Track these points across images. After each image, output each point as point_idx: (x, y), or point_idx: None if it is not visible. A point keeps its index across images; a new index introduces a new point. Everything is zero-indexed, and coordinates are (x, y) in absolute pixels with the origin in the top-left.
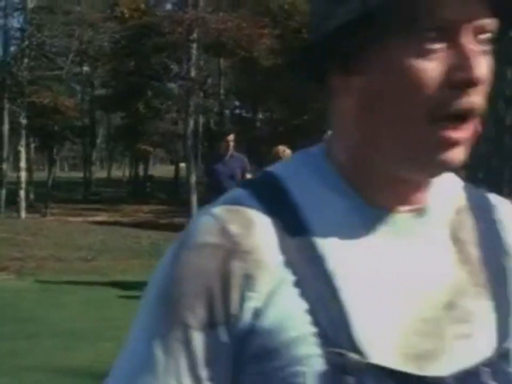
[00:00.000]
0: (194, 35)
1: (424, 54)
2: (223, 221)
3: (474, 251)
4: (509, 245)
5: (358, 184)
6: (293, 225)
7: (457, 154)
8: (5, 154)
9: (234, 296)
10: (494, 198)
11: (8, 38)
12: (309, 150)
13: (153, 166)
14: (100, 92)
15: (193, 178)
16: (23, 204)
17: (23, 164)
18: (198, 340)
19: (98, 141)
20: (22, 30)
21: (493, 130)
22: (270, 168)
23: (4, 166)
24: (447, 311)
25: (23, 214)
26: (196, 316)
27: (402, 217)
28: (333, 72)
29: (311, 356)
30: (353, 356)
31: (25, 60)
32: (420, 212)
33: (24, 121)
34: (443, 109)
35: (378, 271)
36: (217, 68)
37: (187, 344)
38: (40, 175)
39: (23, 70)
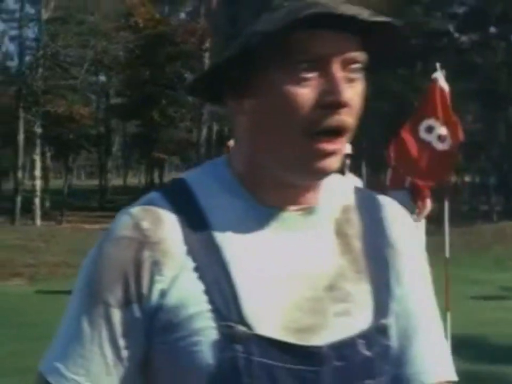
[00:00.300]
0: (207, 44)
1: (299, 81)
2: (137, 218)
3: (357, 243)
4: (393, 238)
5: (253, 188)
6: (196, 222)
7: (332, 163)
8: (20, 163)
9: (145, 279)
10: (382, 199)
11: (23, 49)
12: (215, 160)
13: (169, 173)
14: (115, 100)
15: None
16: (38, 212)
17: (38, 173)
18: (116, 315)
19: (114, 149)
20: (36, 40)
21: (504, 136)
22: (182, 175)
23: (20, 174)
24: (328, 293)
25: (38, 221)
26: (114, 296)
27: (291, 215)
28: (229, 95)
29: (206, 328)
30: (241, 328)
31: (40, 70)
32: (308, 210)
33: (39, 130)
34: (316, 126)
35: (267, 259)
36: None
37: (108, 319)
38: (57, 183)
39: (37, 80)
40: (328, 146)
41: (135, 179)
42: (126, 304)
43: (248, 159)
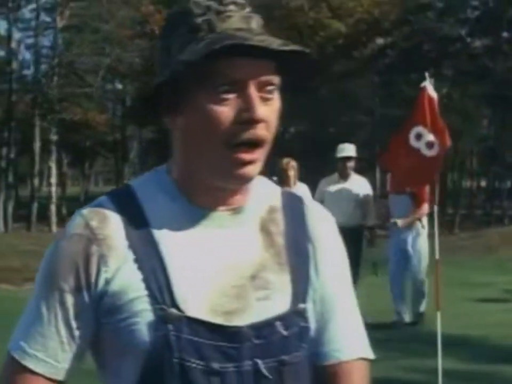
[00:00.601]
0: None
1: (220, 101)
2: (87, 218)
3: (280, 239)
4: (313, 235)
5: (187, 191)
6: (137, 221)
7: (250, 170)
8: (36, 170)
9: (93, 270)
10: (307, 201)
11: (39, 57)
12: (158, 168)
13: None
14: (131, 107)
15: None
16: (53, 218)
17: (53, 180)
18: (69, 300)
19: (131, 155)
20: (52, 48)
21: None
22: (129, 181)
23: (36, 181)
24: (251, 281)
25: (54, 228)
26: (67, 284)
27: (221, 214)
28: (164, 113)
29: (144, 310)
30: (173, 310)
31: (55, 78)
32: (236, 210)
33: (54, 137)
34: (235, 139)
35: (199, 253)
36: None
37: (62, 303)
38: (75, 190)
39: (53, 88)
40: (246, 156)
41: None
42: (77, 291)
43: (182, 167)
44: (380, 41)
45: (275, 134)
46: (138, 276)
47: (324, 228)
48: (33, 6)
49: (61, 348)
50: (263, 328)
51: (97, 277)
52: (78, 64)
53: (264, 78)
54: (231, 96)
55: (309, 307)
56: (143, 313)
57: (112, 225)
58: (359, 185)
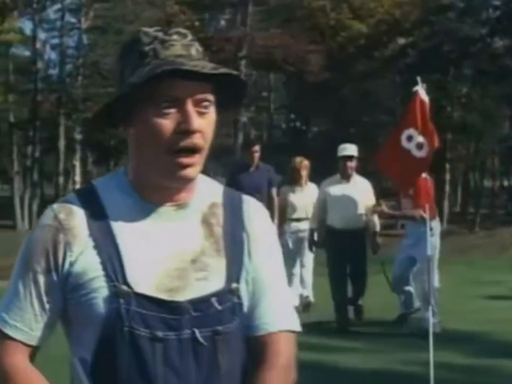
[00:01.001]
0: (244, 52)
1: (162, 115)
2: (56, 212)
3: (219, 230)
4: (249, 226)
5: (140, 190)
6: (97, 214)
7: (190, 172)
8: (61, 169)
9: (60, 255)
10: (245, 198)
11: (64, 57)
12: (118, 170)
13: (214, 177)
14: None
15: None
16: None
17: (78, 178)
18: (41, 279)
19: None
20: (76, 49)
21: None
22: (93, 181)
23: (61, 179)
24: (192, 264)
25: None
26: (40, 266)
27: (168, 209)
28: (121, 124)
29: (100, 287)
30: (124, 287)
31: (80, 78)
32: (181, 205)
33: (79, 136)
34: (175, 146)
35: (148, 241)
36: (268, 83)
37: (35, 282)
38: None
39: (77, 88)
40: (185, 160)
41: None
42: (47, 272)
43: (135, 169)
44: (400, 41)
45: (298, 135)
46: (97, 259)
47: (258, 221)
48: (58, 6)
49: (34, 319)
50: (200, 303)
51: (64, 260)
52: (102, 65)
53: (200, 96)
54: (172, 111)
55: (242, 287)
56: (100, 289)
57: (77, 218)
58: (361, 187)
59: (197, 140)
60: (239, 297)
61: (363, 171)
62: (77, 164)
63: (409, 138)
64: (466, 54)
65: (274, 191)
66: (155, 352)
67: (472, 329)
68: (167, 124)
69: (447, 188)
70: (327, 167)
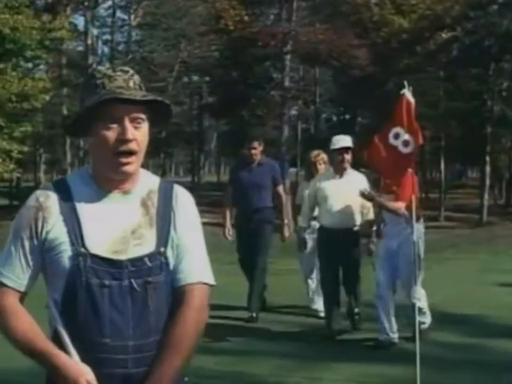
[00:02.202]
0: (288, 47)
1: (108, 129)
2: (37, 196)
3: (153, 210)
4: (175, 206)
5: (96, 180)
6: (66, 198)
7: (128, 168)
8: None
9: (39, 226)
10: (175, 186)
11: (114, 52)
12: (86, 166)
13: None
14: (207, 100)
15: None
16: None
17: None
18: (26, 244)
19: (212, 145)
20: (126, 44)
21: None
22: (66, 175)
23: None
24: (131, 234)
25: None
26: (25, 234)
27: (116, 195)
28: (84, 134)
29: (66, 249)
30: (82, 249)
31: None
32: (126, 192)
33: None
34: (117, 150)
35: (101, 217)
36: (313, 76)
37: (22, 246)
38: None
39: None
40: (124, 160)
41: (227, 177)
42: (30, 239)
43: (93, 166)
44: (443, 36)
45: (345, 128)
46: (65, 229)
47: (182, 203)
48: (109, 4)
49: (22, 272)
50: (136, 261)
51: (42, 230)
52: (150, 60)
53: (134, 115)
54: (114, 126)
55: (168, 251)
56: (66, 251)
57: (52, 200)
58: (356, 182)
59: (132, 145)
60: (165, 257)
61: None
62: None
63: (396, 135)
64: (507, 48)
65: (281, 188)
66: (103, 295)
67: (477, 313)
68: (111, 134)
69: (488, 180)
70: None
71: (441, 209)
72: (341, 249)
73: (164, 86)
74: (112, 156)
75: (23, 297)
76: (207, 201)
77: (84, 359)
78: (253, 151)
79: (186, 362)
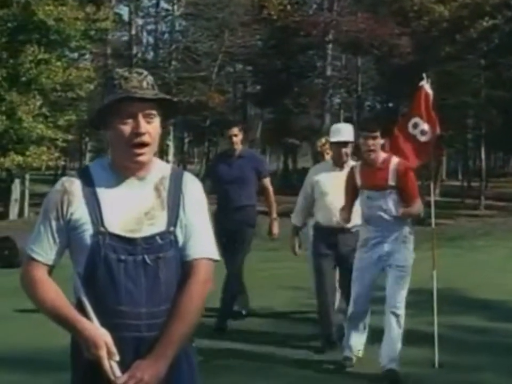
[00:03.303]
0: (330, 36)
1: (124, 123)
2: (63, 181)
3: (164, 194)
4: (185, 190)
5: (115, 168)
6: (89, 184)
7: (142, 158)
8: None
9: (65, 208)
10: (185, 173)
11: (158, 42)
12: (105, 156)
13: (303, 157)
14: (251, 89)
15: None
16: None
17: (171, 157)
18: (54, 224)
19: (257, 133)
20: (170, 34)
21: None
22: (88, 164)
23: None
24: (145, 215)
25: None
26: (52, 215)
27: (132, 180)
28: (104, 128)
29: (88, 229)
30: (102, 228)
31: (173, 63)
32: (141, 178)
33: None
34: (132, 142)
35: (119, 200)
36: (356, 65)
37: (50, 225)
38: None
39: (170, 72)
40: (138, 151)
41: (273, 165)
42: (57, 219)
43: (112, 156)
44: (483, 24)
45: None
46: (86, 211)
47: (191, 188)
48: None
49: (49, 248)
50: (149, 239)
51: (67, 212)
52: (193, 50)
53: (147, 111)
54: (129, 121)
55: (178, 230)
56: (88, 230)
57: (75, 186)
58: None
59: (145, 138)
60: (175, 236)
61: None
62: (171, 144)
63: (415, 125)
64: None
65: (267, 181)
66: (120, 268)
67: (500, 299)
68: (127, 128)
69: None
70: None
71: (481, 198)
72: (338, 250)
73: (207, 75)
74: (127, 147)
75: (51, 270)
76: None
77: (103, 324)
78: (234, 139)
79: (192, 329)
